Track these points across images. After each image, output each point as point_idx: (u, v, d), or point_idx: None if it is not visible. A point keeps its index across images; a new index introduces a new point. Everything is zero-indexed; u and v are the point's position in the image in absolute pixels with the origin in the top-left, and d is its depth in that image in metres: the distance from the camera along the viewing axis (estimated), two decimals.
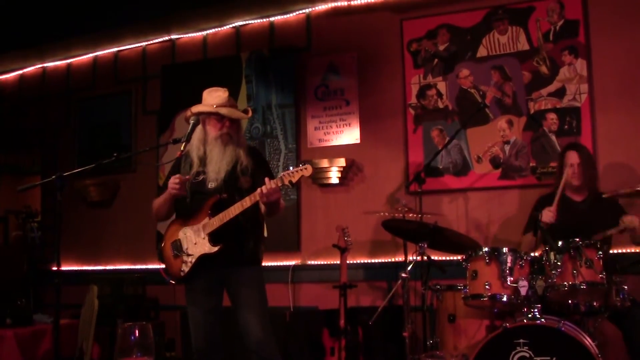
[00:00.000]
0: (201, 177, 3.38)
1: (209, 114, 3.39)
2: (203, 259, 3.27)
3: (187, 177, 3.35)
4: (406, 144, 5.02)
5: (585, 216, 3.83)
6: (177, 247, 3.36)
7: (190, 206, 3.38)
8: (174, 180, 3.31)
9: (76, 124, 6.34)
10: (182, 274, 3.33)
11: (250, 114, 3.55)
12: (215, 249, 3.24)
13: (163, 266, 3.46)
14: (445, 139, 4.81)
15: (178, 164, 3.50)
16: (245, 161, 3.38)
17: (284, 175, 3.11)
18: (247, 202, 3.18)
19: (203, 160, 3.39)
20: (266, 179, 3.13)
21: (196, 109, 3.42)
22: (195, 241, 3.30)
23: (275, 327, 3.45)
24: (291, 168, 3.13)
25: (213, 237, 3.25)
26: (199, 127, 3.43)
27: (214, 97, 3.41)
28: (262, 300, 3.38)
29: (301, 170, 3.09)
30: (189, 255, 3.31)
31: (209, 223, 3.26)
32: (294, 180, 3.10)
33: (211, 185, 3.35)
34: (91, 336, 4.06)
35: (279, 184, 3.11)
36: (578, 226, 3.59)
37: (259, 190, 3.12)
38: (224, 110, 3.35)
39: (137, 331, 1.66)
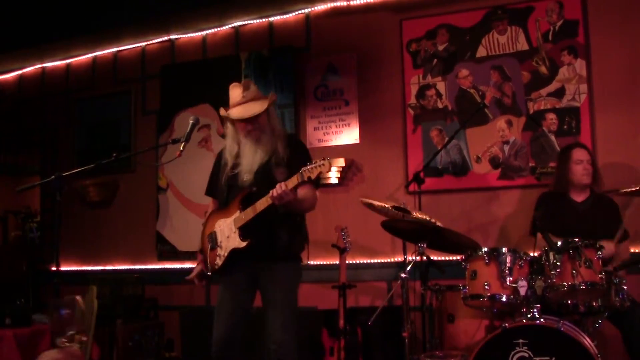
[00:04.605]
0: (237, 170, 3.36)
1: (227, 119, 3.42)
2: (234, 253, 3.25)
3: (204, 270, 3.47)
4: (405, 144, 5.02)
5: (585, 217, 3.83)
6: (213, 239, 3.37)
7: (227, 199, 3.39)
8: (199, 272, 3.48)
9: (75, 124, 6.33)
10: (216, 266, 3.33)
11: (272, 98, 3.43)
12: (244, 244, 3.21)
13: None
14: (445, 139, 4.81)
15: (218, 163, 3.52)
16: (282, 152, 3.32)
17: (303, 170, 3.01)
18: (268, 200, 3.13)
19: (238, 155, 3.38)
20: (278, 184, 3.07)
21: (222, 113, 3.43)
22: (228, 234, 3.29)
23: None
24: (309, 164, 3.03)
25: (244, 231, 3.22)
26: (230, 126, 3.42)
27: (232, 96, 3.39)
28: (288, 300, 3.33)
29: (320, 166, 2.98)
30: (222, 248, 3.31)
31: (238, 217, 3.24)
32: (313, 176, 3.00)
33: (246, 177, 3.32)
34: (90, 337, 4.06)
35: (299, 180, 3.03)
36: (578, 227, 3.59)
37: (271, 192, 3.09)
38: (234, 114, 3.33)
39: (66, 307, 1.59)
